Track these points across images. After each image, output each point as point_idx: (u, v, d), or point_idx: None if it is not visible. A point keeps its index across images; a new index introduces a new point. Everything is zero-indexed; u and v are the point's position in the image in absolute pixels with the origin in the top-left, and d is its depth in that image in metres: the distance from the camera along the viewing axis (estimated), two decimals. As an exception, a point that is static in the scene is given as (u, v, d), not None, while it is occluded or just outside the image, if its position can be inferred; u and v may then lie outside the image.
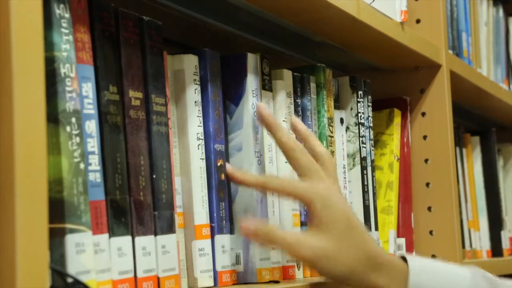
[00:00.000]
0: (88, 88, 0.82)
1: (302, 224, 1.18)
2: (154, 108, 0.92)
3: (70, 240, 0.76)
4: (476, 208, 2.00)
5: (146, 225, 0.88)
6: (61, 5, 0.78)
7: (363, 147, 1.36)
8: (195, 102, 1.01)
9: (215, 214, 1.02)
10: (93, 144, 0.81)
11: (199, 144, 1.01)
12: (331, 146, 1.26)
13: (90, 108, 0.82)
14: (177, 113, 1.01)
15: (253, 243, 1.03)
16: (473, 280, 1.00)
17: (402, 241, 1.47)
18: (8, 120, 0.62)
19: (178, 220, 0.97)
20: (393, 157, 1.49)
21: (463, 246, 1.82)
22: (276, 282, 1.07)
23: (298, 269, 1.16)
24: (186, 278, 0.98)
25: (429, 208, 1.56)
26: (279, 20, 1.20)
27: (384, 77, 1.60)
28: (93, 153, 0.81)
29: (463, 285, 0.99)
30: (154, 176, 0.91)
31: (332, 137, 1.27)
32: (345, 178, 1.32)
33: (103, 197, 0.82)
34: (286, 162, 1.13)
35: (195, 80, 1.02)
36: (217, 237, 1.02)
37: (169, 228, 0.92)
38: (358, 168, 1.34)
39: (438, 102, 1.57)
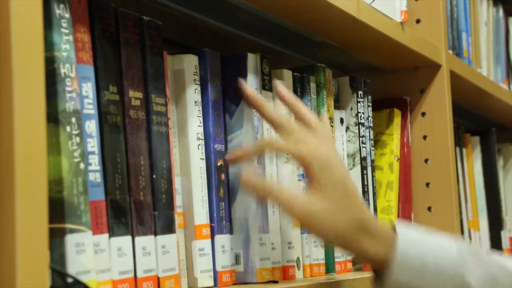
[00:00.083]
0: (88, 88, 0.82)
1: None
2: (154, 108, 0.92)
3: (70, 240, 0.76)
4: (476, 208, 2.00)
5: (146, 225, 0.88)
6: (61, 5, 0.78)
7: (363, 147, 1.36)
8: (195, 102, 1.01)
9: (215, 214, 1.02)
10: (93, 144, 0.81)
11: (199, 144, 1.01)
12: (331, 146, 1.26)
13: (90, 108, 0.82)
14: (177, 113, 1.01)
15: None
16: (460, 252, 1.00)
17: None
18: (8, 120, 0.62)
19: (178, 220, 0.97)
20: (393, 157, 1.49)
21: (463, 246, 1.81)
22: (275, 282, 1.07)
23: (298, 269, 1.16)
24: (186, 278, 0.98)
25: (429, 208, 1.56)
26: (279, 20, 1.20)
27: (384, 77, 1.60)
28: (93, 153, 0.81)
29: (449, 258, 1.00)
30: (154, 176, 0.91)
31: (332, 137, 1.27)
32: (345, 178, 1.32)
33: (103, 197, 0.82)
34: (286, 162, 1.13)
35: (195, 80, 1.02)
36: (217, 237, 1.02)
37: (169, 228, 0.92)
38: (358, 168, 1.34)
39: (438, 102, 1.57)
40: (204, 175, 1.01)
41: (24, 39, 0.64)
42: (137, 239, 0.87)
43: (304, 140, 1.00)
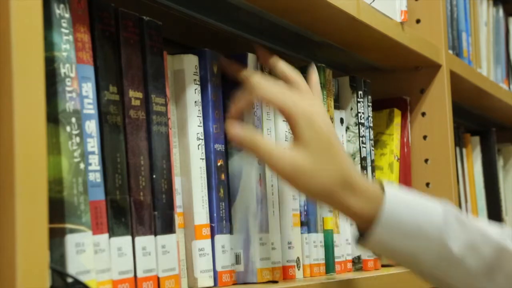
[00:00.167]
0: (88, 88, 0.82)
1: (302, 224, 1.18)
2: (154, 108, 0.92)
3: (70, 240, 0.76)
4: (476, 208, 2.00)
5: (146, 225, 0.88)
6: (61, 5, 0.78)
7: (363, 147, 1.36)
8: (195, 102, 1.01)
9: (215, 214, 1.02)
10: (93, 144, 0.81)
11: (199, 144, 1.01)
12: (331, 146, 1.26)
13: (90, 108, 0.82)
14: (177, 113, 1.01)
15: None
16: (445, 217, 1.00)
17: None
18: (8, 120, 0.62)
19: (178, 220, 0.97)
20: (393, 157, 1.49)
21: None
22: (275, 282, 1.07)
23: (298, 269, 1.16)
24: (186, 278, 0.98)
25: (429, 208, 1.56)
26: (279, 20, 1.20)
27: (384, 77, 1.60)
28: (93, 153, 0.81)
29: (434, 222, 1.00)
30: (154, 176, 0.91)
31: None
32: (345, 178, 1.32)
33: (103, 197, 0.82)
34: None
35: (195, 80, 1.02)
36: (217, 237, 1.02)
37: (169, 228, 0.92)
38: (358, 168, 1.34)
39: (438, 102, 1.57)
40: (204, 175, 1.01)
41: (24, 39, 0.64)
42: (137, 239, 0.87)
43: (290, 94, 1.00)
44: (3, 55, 0.63)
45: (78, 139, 0.78)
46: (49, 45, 0.76)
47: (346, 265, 1.29)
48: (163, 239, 0.91)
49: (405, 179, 1.52)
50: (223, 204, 1.03)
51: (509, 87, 2.23)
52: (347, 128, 1.35)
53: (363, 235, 1.00)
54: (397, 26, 1.38)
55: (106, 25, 0.86)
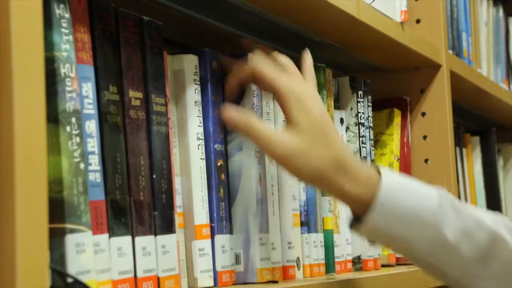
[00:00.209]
0: (88, 88, 0.82)
1: (302, 224, 1.18)
2: (154, 108, 0.92)
3: (70, 240, 0.76)
4: (476, 208, 1.99)
5: (146, 225, 0.88)
6: (61, 5, 0.78)
7: (363, 147, 1.36)
8: (195, 102, 1.01)
9: (215, 214, 1.02)
10: (93, 144, 0.81)
11: (199, 144, 1.01)
12: (331, 146, 1.26)
13: (90, 108, 0.82)
14: (177, 113, 1.01)
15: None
16: (440, 203, 1.00)
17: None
18: (8, 120, 0.62)
19: (178, 220, 0.97)
20: (393, 157, 1.49)
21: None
22: (275, 282, 1.07)
23: (298, 269, 1.16)
24: (186, 278, 0.98)
25: (429, 208, 1.56)
26: (279, 20, 1.20)
27: (384, 77, 1.60)
28: (93, 153, 0.81)
29: (429, 208, 1.00)
30: (154, 176, 0.91)
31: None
32: (345, 178, 1.32)
33: (103, 197, 0.82)
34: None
35: (195, 80, 1.02)
36: (217, 237, 1.02)
37: (169, 228, 0.92)
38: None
39: (438, 102, 1.57)
40: (204, 175, 1.01)
41: (24, 39, 0.64)
42: (137, 239, 0.87)
43: (283, 75, 1.00)
44: (3, 55, 0.63)
45: (78, 139, 0.78)
46: (49, 45, 0.76)
47: (346, 265, 1.29)
48: (163, 239, 0.91)
49: (405, 179, 1.52)
50: (223, 204, 1.03)
51: (509, 87, 2.23)
52: (347, 128, 1.35)
53: (357, 220, 1.00)
54: (397, 26, 1.38)
55: (106, 25, 0.86)
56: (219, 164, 1.03)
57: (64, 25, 0.79)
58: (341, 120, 1.34)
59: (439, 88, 1.57)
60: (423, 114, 1.58)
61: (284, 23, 1.23)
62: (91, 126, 0.82)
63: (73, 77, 0.78)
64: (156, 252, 0.89)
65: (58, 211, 0.75)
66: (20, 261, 0.61)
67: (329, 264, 1.24)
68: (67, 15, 0.79)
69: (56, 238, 0.75)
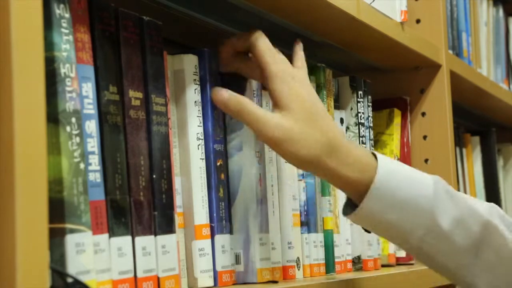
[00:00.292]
0: (88, 88, 0.82)
1: (302, 224, 1.18)
2: (154, 108, 0.92)
3: (70, 240, 0.76)
4: (476, 208, 1.99)
5: (146, 225, 0.88)
6: (61, 5, 0.78)
7: (363, 147, 1.36)
8: (195, 102, 1.01)
9: (215, 214, 1.02)
10: (93, 144, 0.81)
11: (199, 144, 1.01)
12: (331, 146, 1.26)
13: (90, 108, 0.82)
14: (177, 113, 1.01)
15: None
16: (435, 190, 1.00)
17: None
18: (8, 120, 0.62)
19: (178, 220, 0.97)
20: (393, 157, 1.49)
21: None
22: (275, 282, 1.07)
23: (298, 269, 1.16)
24: (186, 278, 0.98)
25: (429, 208, 1.56)
26: (279, 20, 1.20)
27: (384, 77, 1.60)
28: (93, 153, 0.81)
29: (424, 196, 0.99)
30: (154, 176, 0.91)
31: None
32: (345, 178, 1.32)
33: (103, 197, 0.82)
34: (286, 162, 1.13)
35: (195, 80, 1.02)
36: (217, 237, 1.02)
37: (169, 228, 0.92)
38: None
39: (438, 102, 1.57)
40: (204, 175, 1.01)
41: (24, 39, 0.64)
42: (137, 239, 0.87)
43: (277, 57, 1.01)
44: (3, 55, 0.63)
45: (78, 139, 0.78)
46: (49, 45, 0.76)
47: (346, 265, 1.29)
48: (163, 239, 0.91)
49: (405, 179, 1.52)
50: (223, 204, 1.03)
51: (509, 87, 2.23)
52: (347, 128, 1.35)
53: (352, 207, 1.00)
54: (397, 26, 1.38)
55: (106, 25, 0.86)
56: (219, 164, 1.03)
57: (64, 25, 0.79)
58: (341, 120, 1.34)
59: (439, 88, 1.57)
60: (423, 114, 1.58)
61: (284, 23, 1.23)
62: (91, 126, 0.82)
63: (73, 77, 0.78)
64: (156, 252, 0.89)
65: (58, 211, 0.75)
66: (20, 261, 0.61)
67: (329, 264, 1.24)
68: (67, 15, 0.79)
69: (56, 238, 0.75)
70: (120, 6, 0.89)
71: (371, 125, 1.40)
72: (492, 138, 2.12)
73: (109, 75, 0.86)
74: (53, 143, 0.75)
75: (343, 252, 1.28)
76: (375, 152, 1.01)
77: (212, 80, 1.03)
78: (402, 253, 1.46)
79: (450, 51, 1.68)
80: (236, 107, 0.97)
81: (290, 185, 1.15)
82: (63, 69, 0.77)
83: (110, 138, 0.85)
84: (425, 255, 1.03)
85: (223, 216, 1.03)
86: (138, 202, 0.87)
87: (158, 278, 0.90)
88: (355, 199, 1.00)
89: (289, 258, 1.13)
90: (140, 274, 0.86)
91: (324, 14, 1.20)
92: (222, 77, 1.06)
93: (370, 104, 1.40)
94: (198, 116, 1.01)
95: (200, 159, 1.01)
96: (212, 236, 1.01)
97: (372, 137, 1.40)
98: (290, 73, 0.99)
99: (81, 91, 0.81)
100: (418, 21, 1.61)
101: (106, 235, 0.82)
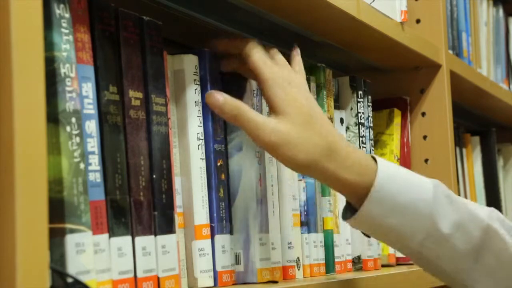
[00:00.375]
0: (88, 88, 0.82)
1: (302, 224, 1.18)
2: (154, 108, 0.92)
3: (70, 240, 0.76)
4: (476, 208, 1.99)
5: (146, 225, 0.88)
6: (61, 5, 0.78)
7: (363, 147, 1.36)
8: (195, 102, 1.01)
9: (215, 214, 1.02)
10: (93, 144, 0.81)
11: (199, 144, 1.01)
12: (331, 146, 1.26)
13: (90, 108, 0.82)
14: (177, 113, 1.01)
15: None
16: (435, 194, 1.00)
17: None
18: (8, 120, 0.62)
19: (178, 220, 0.97)
20: (393, 157, 1.49)
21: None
22: (275, 282, 1.07)
23: (298, 269, 1.16)
24: (186, 278, 0.98)
25: (429, 208, 1.56)
26: (279, 20, 1.20)
27: (384, 77, 1.60)
28: (93, 153, 0.81)
29: (424, 200, 0.99)
30: (154, 176, 0.91)
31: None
32: (345, 178, 1.32)
33: (103, 197, 0.82)
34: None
35: (195, 80, 1.02)
36: (217, 237, 1.02)
37: (169, 228, 0.92)
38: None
39: (438, 102, 1.57)
40: (204, 175, 1.01)
41: (24, 39, 0.64)
42: (137, 239, 0.87)
43: (271, 62, 1.00)
44: (3, 55, 0.63)
45: (78, 139, 0.78)
46: (49, 45, 0.76)
47: (346, 265, 1.29)
48: (163, 239, 0.91)
49: (405, 179, 1.52)
50: (223, 204, 1.03)
51: (509, 87, 2.23)
52: (347, 128, 1.35)
53: (351, 211, 1.00)
54: (397, 26, 1.38)
55: (106, 25, 0.86)
56: (219, 164, 1.03)
57: (64, 25, 0.79)
58: (341, 120, 1.34)
59: (439, 88, 1.57)
60: (423, 114, 1.58)
61: (284, 23, 1.23)
62: (91, 126, 0.82)
63: (73, 77, 0.78)
64: (156, 252, 0.90)
65: (58, 211, 0.75)
66: (20, 261, 0.61)
67: (329, 264, 1.24)
68: (67, 15, 0.79)
69: (56, 238, 0.75)
70: (120, 6, 0.89)
71: (371, 125, 1.40)
72: (492, 138, 2.12)
73: (109, 75, 0.86)
74: (53, 143, 0.75)
75: (343, 252, 1.28)
76: (375, 156, 1.01)
77: (212, 80, 1.03)
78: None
79: (450, 51, 1.68)
80: (232, 112, 0.96)
81: (290, 185, 1.15)
82: (63, 69, 0.77)
83: (110, 138, 0.85)
84: (424, 259, 1.02)
85: (223, 216, 1.03)
86: (138, 202, 0.87)
87: (158, 278, 0.90)
88: (354, 202, 0.99)
89: (289, 258, 1.13)
90: (140, 274, 0.86)
91: (324, 14, 1.20)
92: (222, 77, 1.06)
93: (370, 104, 1.40)
94: (198, 116, 1.01)
95: (200, 159, 1.01)
96: (212, 236, 1.01)
97: (372, 137, 1.40)
98: (286, 78, 0.99)
99: (81, 91, 0.81)
100: (418, 21, 1.61)
101: (106, 235, 0.82)
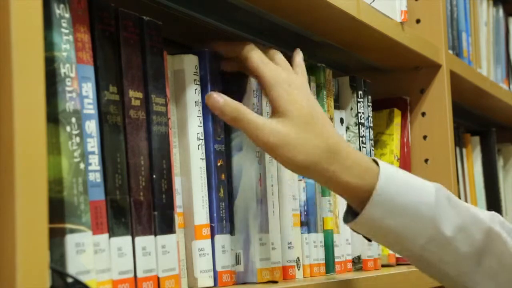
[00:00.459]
0: (88, 88, 0.82)
1: (302, 224, 1.18)
2: (154, 108, 0.92)
3: (70, 240, 0.76)
4: (476, 208, 1.99)
5: (146, 225, 0.88)
6: (61, 5, 0.78)
7: (363, 147, 1.36)
8: (195, 102, 1.01)
9: (215, 214, 1.02)
10: (93, 144, 0.81)
11: (199, 144, 1.01)
12: (331, 146, 1.26)
13: (90, 108, 0.82)
14: (177, 113, 1.01)
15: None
16: (437, 198, 1.00)
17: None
18: (8, 120, 0.62)
19: (178, 220, 0.97)
20: (393, 157, 1.49)
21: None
22: (275, 282, 1.07)
23: (298, 269, 1.16)
24: (186, 278, 0.98)
25: (429, 208, 1.56)
26: (279, 20, 1.20)
27: (384, 77, 1.60)
28: (93, 153, 0.81)
29: (426, 203, 0.99)
30: (154, 176, 0.91)
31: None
32: (345, 178, 1.32)
33: (103, 197, 0.82)
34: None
35: (195, 80, 1.02)
36: (217, 237, 1.02)
37: (169, 228, 0.92)
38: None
39: (438, 102, 1.57)
40: (204, 175, 1.01)
41: (24, 39, 0.64)
42: (137, 239, 0.87)
43: (271, 64, 1.00)
44: (3, 55, 0.63)
45: (78, 139, 0.78)
46: (49, 45, 0.76)
47: (346, 265, 1.29)
48: (163, 239, 0.91)
49: (405, 179, 1.52)
50: (223, 204, 1.03)
51: (509, 87, 2.23)
52: (347, 128, 1.35)
53: (353, 214, 0.99)
54: (397, 26, 1.38)
55: (106, 25, 0.86)
56: (219, 164, 1.03)
57: (64, 25, 0.79)
58: (341, 120, 1.34)
59: (439, 88, 1.57)
60: (423, 114, 1.58)
61: (284, 23, 1.23)
62: (91, 126, 0.82)
63: (73, 77, 0.78)
64: (156, 252, 0.89)
65: (58, 211, 0.75)
66: (20, 261, 0.61)
67: (329, 264, 1.24)
68: (67, 15, 0.79)
69: (56, 238, 0.75)
70: (120, 6, 0.89)
71: (371, 125, 1.40)
72: (492, 138, 2.12)
73: (109, 75, 0.86)
74: (53, 143, 0.75)
75: (343, 252, 1.28)
76: (376, 158, 1.01)
77: (212, 80, 1.03)
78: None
79: (450, 51, 1.68)
80: (232, 113, 0.96)
81: (290, 185, 1.15)
82: (63, 69, 0.77)
83: (110, 138, 0.85)
84: (425, 261, 1.02)
85: (223, 216, 1.03)
86: (138, 202, 0.87)
87: (158, 278, 0.90)
88: (355, 205, 0.99)
89: (289, 258, 1.13)
90: (140, 274, 0.86)
91: (324, 14, 1.20)
92: (223, 77, 1.06)
93: (370, 104, 1.40)
94: (198, 116, 1.01)
95: (200, 159, 1.01)
96: (212, 236, 1.01)
97: (372, 137, 1.40)
98: (287, 80, 0.99)
99: (81, 91, 0.81)
100: (418, 21, 1.61)
101: (106, 235, 0.82)
